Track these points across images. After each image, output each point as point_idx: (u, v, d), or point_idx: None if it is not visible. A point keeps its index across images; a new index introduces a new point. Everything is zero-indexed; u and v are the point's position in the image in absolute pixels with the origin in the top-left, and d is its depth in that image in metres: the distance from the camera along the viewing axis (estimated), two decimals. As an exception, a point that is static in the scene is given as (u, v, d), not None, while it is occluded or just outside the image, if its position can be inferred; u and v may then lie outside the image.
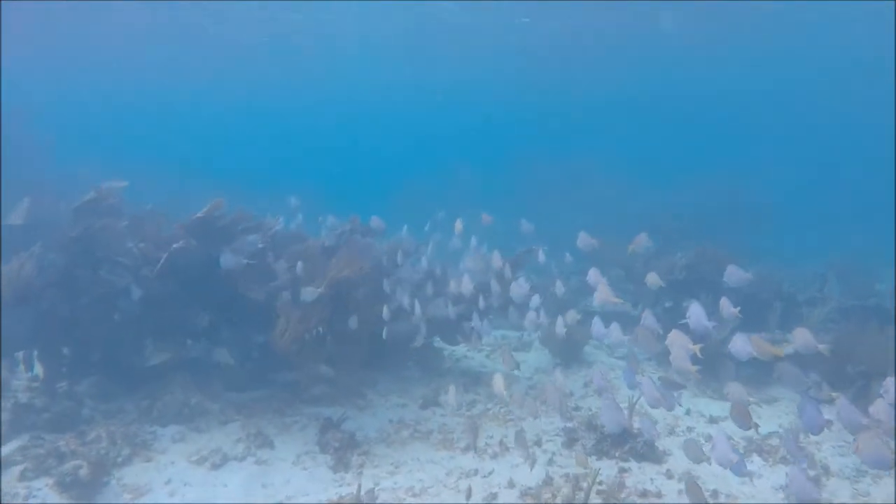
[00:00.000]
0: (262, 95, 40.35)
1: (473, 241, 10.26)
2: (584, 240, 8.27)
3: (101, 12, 21.83)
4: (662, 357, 10.38)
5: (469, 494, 6.13)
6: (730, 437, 5.39)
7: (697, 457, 5.95)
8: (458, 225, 9.98)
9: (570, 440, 7.38)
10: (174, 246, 7.59)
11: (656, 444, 7.16)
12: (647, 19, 23.71)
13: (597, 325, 7.10)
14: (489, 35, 27.28)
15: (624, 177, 23.15)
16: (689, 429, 7.96)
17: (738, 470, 5.28)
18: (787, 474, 4.76)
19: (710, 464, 6.87)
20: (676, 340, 6.16)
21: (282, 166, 42.11)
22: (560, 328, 8.20)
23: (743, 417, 6.13)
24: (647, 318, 6.99)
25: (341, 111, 47.78)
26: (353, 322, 8.49)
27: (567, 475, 6.52)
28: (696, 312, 6.36)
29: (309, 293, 7.47)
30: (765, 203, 20.78)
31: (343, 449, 6.96)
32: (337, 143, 53.49)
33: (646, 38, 26.81)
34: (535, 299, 9.39)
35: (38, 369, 7.74)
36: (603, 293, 7.13)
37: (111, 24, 23.50)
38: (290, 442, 7.33)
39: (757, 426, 8.33)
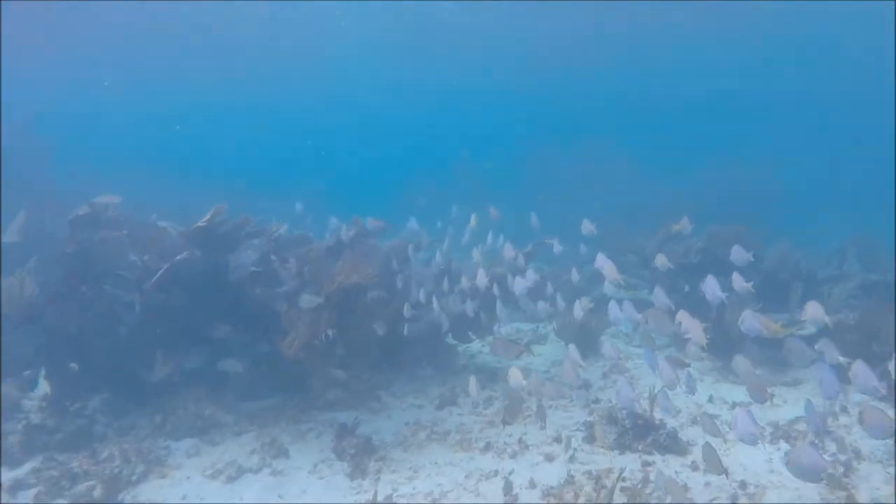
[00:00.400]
0: (264, 96, 40.18)
1: (490, 236, 10.22)
2: (586, 226, 8.75)
3: (101, 14, 21.53)
4: (677, 341, 10.19)
5: (509, 488, 6.02)
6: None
7: (714, 431, 5.92)
8: (473, 220, 9.98)
9: (592, 435, 7.20)
10: (178, 258, 7.47)
11: (679, 434, 6.97)
12: (656, 18, 23.54)
13: (613, 308, 7.25)
14: (497, 32, 27.04)
15: (635, 169, 23.03)
16: (714, 417, 7.74)
17: (753, 440, 5.22)
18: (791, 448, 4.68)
19: (727, 443, 6.75)
20: (686, 319, 6.40)
21: (287, 167, 42.05)
22: (578, 311, 8.11)
23: (757, 390, 6.04)
24: (660, 297, 7.16)
25: (346, 110, 47.54)
26: (380, 328, 8.40)
27: (589, 472, 6.34)
28: (710, 284, 6.72)
29: (308, 301, 7.33)
30: (778, 186, 20.60)
31: (359, 455, 6.83)
32: (345, 142, 53.35)
33: (653, 38, 26.74)
34: (549, 288, 9.32)
35: (45, 387, 7.67)
36: (610, 273, 7.34)
37: (111, 26, 23.13)
38: (306, 450, 7.21)
39: (773, 396, 8.18)
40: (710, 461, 5.46)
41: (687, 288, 11.67)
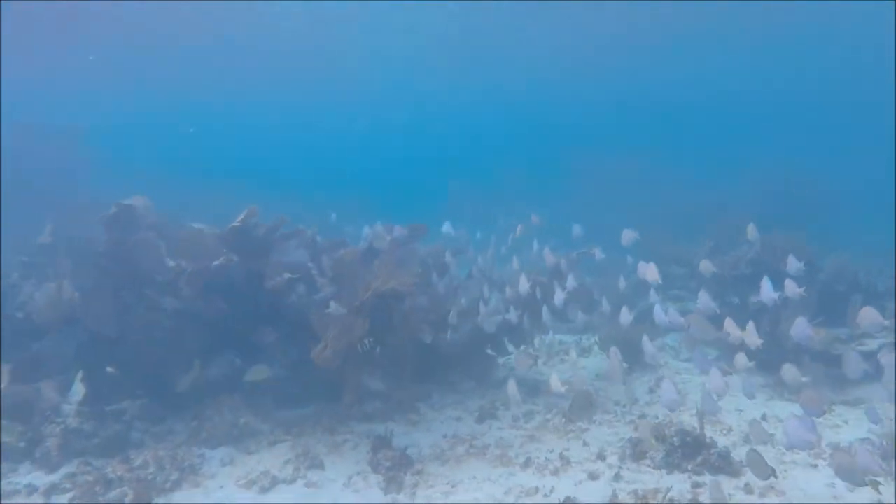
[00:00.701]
0: (299, 103, 40.53)
1: (535, 244, 10.25)
2: (626, 235, 8.82)
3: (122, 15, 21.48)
4: (725, 354, 9.78)
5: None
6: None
7: (763, 438, 5.83)
8: (519, 230, 10.18)
9: (638, 452, 6.86)
10: (215, 263, 7.41)
11: (732, 454, 6.58)
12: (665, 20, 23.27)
13: (658, 312, 7.39)
14: (531, 38, 26.86)
15: (661, 176, 22.59)
16: (770, 437, 7.31)
17: (806, 446, 5.11)
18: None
19: (784, 465, 6.35)
20: (732, 326, 6.59)
21: (326, 174, 42.29)
22: (625, 316, 8.10)
23: (811, 402, 5.71)
24: (704, 300, 7.17)
25: (384, 116, 47.75)
26: (426, 337, 8.26)
27: (635, 492, 6.01)
28: (765, 286, 6.78)
29: (336, 308, 7.20)
30: (829, 193, 19.90)
31: (395, 468, 6.62)
32: (380, 149, 53.61)
33: (660, 42, 26.45)
34: (594, 296, 9.24)
35: (81, 390, 7.66)
36: (651, 274, 7.61)
37: (126, 28, 23.01)
38: (341, 462, 7.03)
39: (831, 408, 7.82)
40: (755, 464, 5.31)
41: (737, 300, 11.21)
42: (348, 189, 28.21)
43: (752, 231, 8.29)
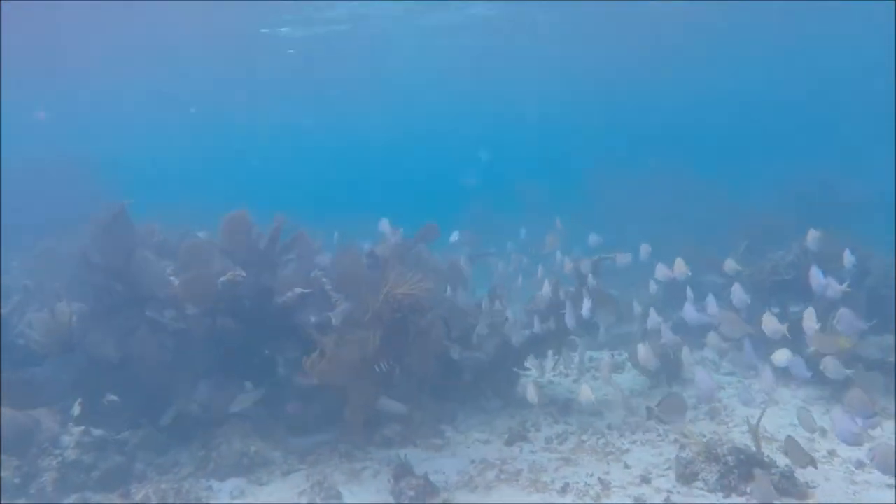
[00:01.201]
0: (322, 118, 40.52)
1: (558, 255, 9.99)
2: (644, 249, 9.05)
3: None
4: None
5: None
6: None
7: (811, 427, 5.83)
8: (549, 240, 10.18)
9: (688, 474, 6.20)
10: (221, 279, 6.91)
11: (796, 474, 5.91)
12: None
13: (688, 309, 7.36)
14: (551, 49, 26.62)
15: (698, 183, 22.02)
16: (831, 453, 6.64)
17: (856, 441, 4.98)
18: None
19: (855, 485, 5.68)
20: (771, 322, 6.44)
21: (342, 189, 42.13)
22: (654, 319, 7.86)
23: (859, 402, 5.34)
24: (738, 293, 7.15)
25: (403, 130, 47.71)
26: (454, 353, 7.78)
27: (691, 519, 5.37)
28: (814, 274, 6.83)
29: (335, 317, 6.70)
30: (848, 194, 19.24)
31: (419, 497, 6.01)
32: (400, 162, 53.56)
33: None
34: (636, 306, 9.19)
35: (80, 420, 7.13)
36: (678, 267, 7.87)
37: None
38: (360, 492, 6.43)
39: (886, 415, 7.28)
40: (793, 453, 5.19)
41: (777, 311, 10.48)
42: (364, 205, 27.93)
43: (812, 235, 7.95)
